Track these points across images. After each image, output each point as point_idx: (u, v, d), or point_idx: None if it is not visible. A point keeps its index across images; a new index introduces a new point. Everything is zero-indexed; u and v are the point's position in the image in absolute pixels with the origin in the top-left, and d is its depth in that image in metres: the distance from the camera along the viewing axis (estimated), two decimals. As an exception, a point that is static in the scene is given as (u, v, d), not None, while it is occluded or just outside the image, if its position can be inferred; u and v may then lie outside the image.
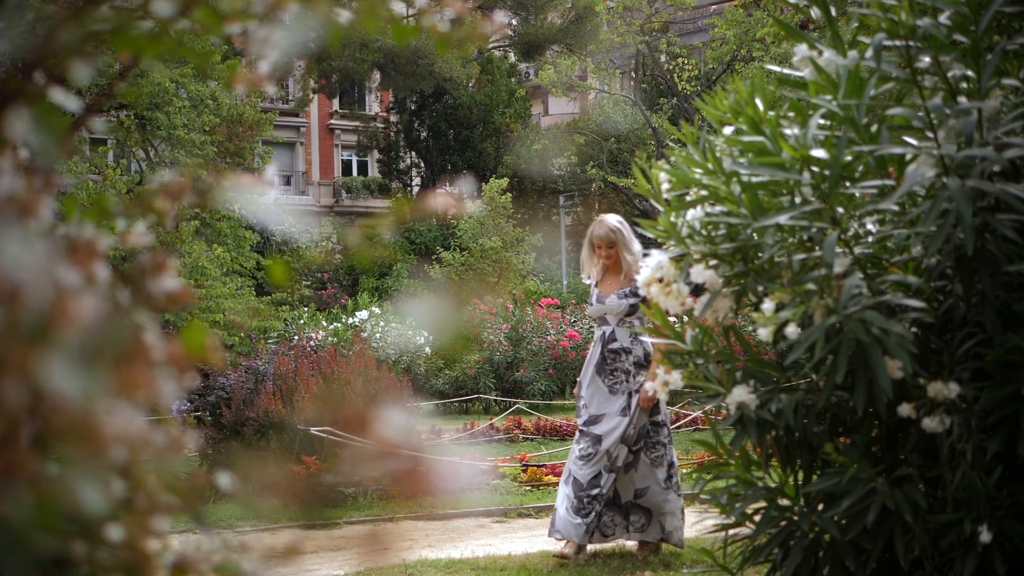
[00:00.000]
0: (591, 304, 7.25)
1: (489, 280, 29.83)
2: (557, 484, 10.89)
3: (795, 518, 3.91)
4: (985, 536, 3.42)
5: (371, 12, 1.46)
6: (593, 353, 7.20)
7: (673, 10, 39.65)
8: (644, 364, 7.03)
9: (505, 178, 31.86)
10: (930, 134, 3.57)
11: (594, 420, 7.01)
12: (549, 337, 24.39)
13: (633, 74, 43.80)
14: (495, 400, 21.42)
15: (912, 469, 3.65)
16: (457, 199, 1.24)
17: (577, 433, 7.14)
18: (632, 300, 7.06)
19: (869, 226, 4.07)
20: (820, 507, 3.95)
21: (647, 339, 7.03)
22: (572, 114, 47.19)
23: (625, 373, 7.02)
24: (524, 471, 11.09)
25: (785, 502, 4.02)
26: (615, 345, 7.09)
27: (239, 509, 9.71)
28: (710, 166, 3.85)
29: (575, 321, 25.51)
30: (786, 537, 3.93)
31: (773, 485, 4.07)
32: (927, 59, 3.63)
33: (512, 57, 42.61)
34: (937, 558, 3.62)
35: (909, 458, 3.72)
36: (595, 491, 6.86)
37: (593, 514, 6.87)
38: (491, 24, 1.48)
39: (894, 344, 3.39)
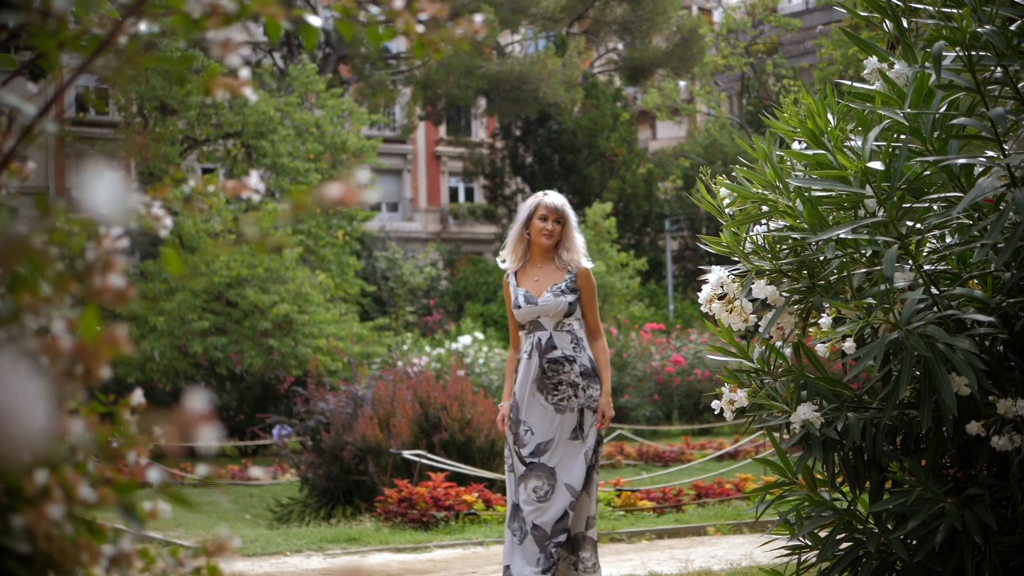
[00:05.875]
0: (517, 307, 5.98)
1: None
2: (651, 509, 10.78)
3: (863, 539, 3.81)
4: (1056, 558, 3.29)
5: (346, 15, 1.46)
6: (529, 367, 5.89)
7: (780, 32, 39.32)
8: (592, 374, 5.89)
9: (609, 203, 31.68)
10: (1005, 144, 3.47)
11: (542, 449, 5.79)
12: (654, 363, 24.18)
13: (738, 96, 43.52)
14: (598, 426, 21.26)
15: (982, 489, 3.54)
16: (354, 188, 1.22)
17: (520, 467, 5.85)
18: (571, 297, 5.97)
19: (949, 240, 3.97)
20: (891, 528, 3.84)
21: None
22: (680, 138, 46.93)
23: (572, 387, 5.82)
24: (618, 496, 11.01)
25: (857, 524, 3.92)
26: (555, 354, 5.86)
27: (331, 530, 9.80)
28: (772, 180, 3.79)
29: (681, 346, 25.25)
30: (854, 559, 3.83)
31: (843, 506, 3.97)
32: (997, 68, 3.54)
33: (617, 81, 42.56)
34: (1008, 581, 3.50)
35: (979, 478, 3.60)
36: (563, 537, 5.70)
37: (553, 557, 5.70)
38: (470, 25, 1.47)
39: (960, 360, 3.29)
